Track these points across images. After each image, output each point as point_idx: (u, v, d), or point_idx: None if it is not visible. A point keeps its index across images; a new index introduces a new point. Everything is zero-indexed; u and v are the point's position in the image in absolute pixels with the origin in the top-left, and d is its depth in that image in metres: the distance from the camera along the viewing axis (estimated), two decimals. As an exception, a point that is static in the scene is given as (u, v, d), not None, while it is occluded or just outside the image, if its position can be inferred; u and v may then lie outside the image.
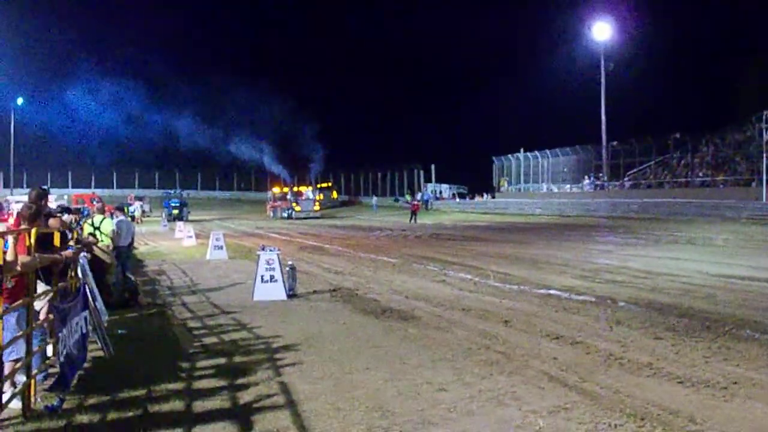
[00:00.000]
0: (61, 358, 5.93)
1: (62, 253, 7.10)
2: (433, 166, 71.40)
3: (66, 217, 9.48)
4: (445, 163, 74.43)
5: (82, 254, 9.07)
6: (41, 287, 6.51)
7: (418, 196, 60.94)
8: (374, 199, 67.00)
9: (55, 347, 6.24)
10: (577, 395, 6.12)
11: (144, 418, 5.71)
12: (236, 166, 78.66)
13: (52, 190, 39.89)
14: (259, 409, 5.90)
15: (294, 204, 54.89)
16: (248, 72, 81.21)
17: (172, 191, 60.99)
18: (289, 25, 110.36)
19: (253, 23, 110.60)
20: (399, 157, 75.05)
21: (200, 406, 6.01)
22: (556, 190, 57.59)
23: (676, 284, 12.90)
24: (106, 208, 13.88)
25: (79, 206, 34.99)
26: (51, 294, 6.67)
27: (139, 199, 58.35)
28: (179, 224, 35.08)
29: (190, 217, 49.48)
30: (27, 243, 5.88)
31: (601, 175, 52.85)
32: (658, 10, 71.95)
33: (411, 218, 44.26)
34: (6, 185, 69.51)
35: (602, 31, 51.97)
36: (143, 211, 52.16)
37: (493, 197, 63.93)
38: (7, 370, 5.37)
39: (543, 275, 14.68)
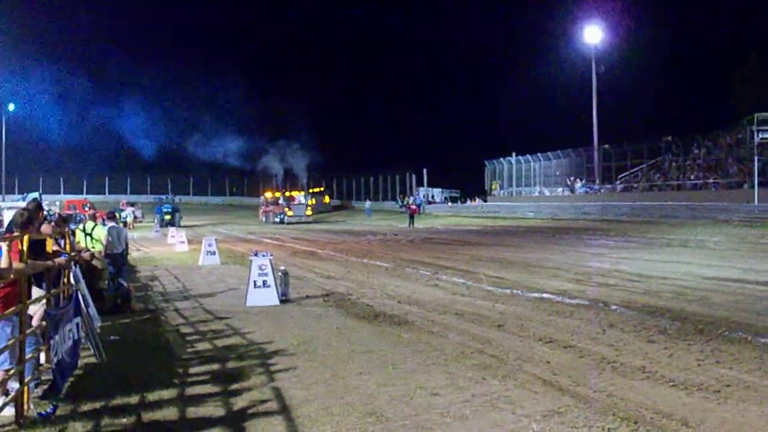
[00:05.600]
0: (53, 365, 5.92)
1: (55, 260, 7.09)
2: (425, 170, 71.43)
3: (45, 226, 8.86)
4: (437, 167, 74.43)
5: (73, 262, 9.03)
6: (36, 292, 6.49)
7: (411, 199, 60.91)
8: (367, 203, 66.77)
9: (47, 354, 6.21)
10: (570, 399, 6.14)
11: (137, 425, 5.71)
12: (228, 171, 78.63)
13: (44, 196, 39.67)
14: (252, 415, 5.90)
15: (286, 209, 54.64)
16: (240, 76, 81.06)
17: (164, 197, 60.56)
18: (284, 29, 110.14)
19: (247, 25, 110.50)
20: (391, 161, 75.00)
21: (194, 412, 6.00)
22: (548, 193, 57.69)
23: (669, 287, 12.94)
24: (97, 215, 13.92)
25: (70, 212, 34.95)
26: (45, 299, 6.65)
27: (131, 204, 58.03)
28: (171, 230, 35.03)
29: (183, 223, 49.26)
30: (19, 249, 5.86)
31: (592, 178, 53.01)
32: (650, 13, 72.30)
33: (409, 222, 44.22)
34: (-3, 190, 69.04)
35: (593, 34, 52.19)
36: (135, 217, 51.93)
37: (485, 201, 64.01)
38: (-1, 378, 5.35)
39: (535, 279, 14.71)
